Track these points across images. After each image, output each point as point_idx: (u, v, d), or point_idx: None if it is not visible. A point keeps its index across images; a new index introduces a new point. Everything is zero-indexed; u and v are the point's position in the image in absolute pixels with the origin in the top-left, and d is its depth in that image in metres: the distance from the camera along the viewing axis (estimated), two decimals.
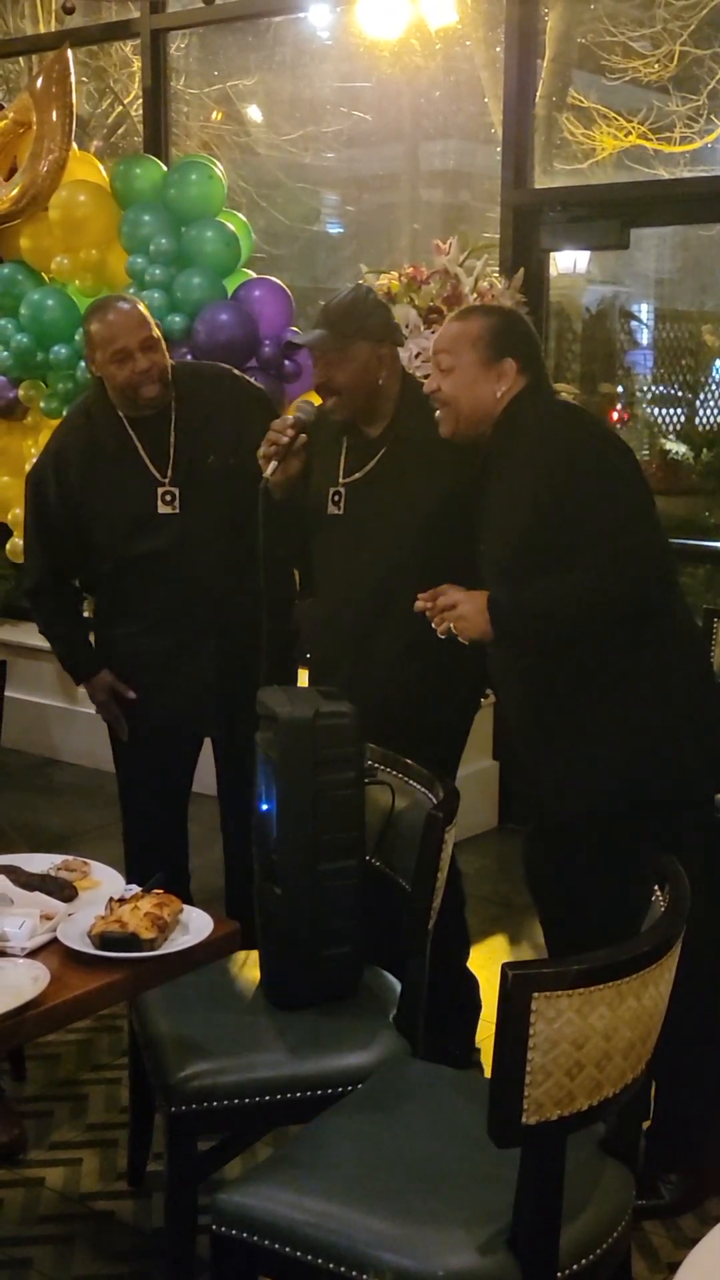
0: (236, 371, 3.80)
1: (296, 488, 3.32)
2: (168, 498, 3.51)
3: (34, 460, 3.74)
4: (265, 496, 3.27)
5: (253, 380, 3.88)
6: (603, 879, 2.81)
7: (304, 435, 3.26)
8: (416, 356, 4.64)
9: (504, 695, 3.05)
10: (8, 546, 6.04)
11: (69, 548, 3.64)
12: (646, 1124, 2.84)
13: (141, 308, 3.49)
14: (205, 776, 3.83)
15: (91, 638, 3.80)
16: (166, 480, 3.52)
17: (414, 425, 3.23)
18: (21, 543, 5.95)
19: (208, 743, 3.82)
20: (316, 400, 3.35)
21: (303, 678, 3.54)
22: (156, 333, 3.47)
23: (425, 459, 3.21)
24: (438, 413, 2.95)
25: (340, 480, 3.29)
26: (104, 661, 3.67)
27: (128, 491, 3.53)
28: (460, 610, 2.80)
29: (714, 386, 7.74)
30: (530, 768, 2.95)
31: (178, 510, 3.51)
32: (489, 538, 2.90)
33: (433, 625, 2.88)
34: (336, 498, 3.29)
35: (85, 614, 3.92)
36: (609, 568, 2.70)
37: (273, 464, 3.24)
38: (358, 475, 3.27)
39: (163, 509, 3.51)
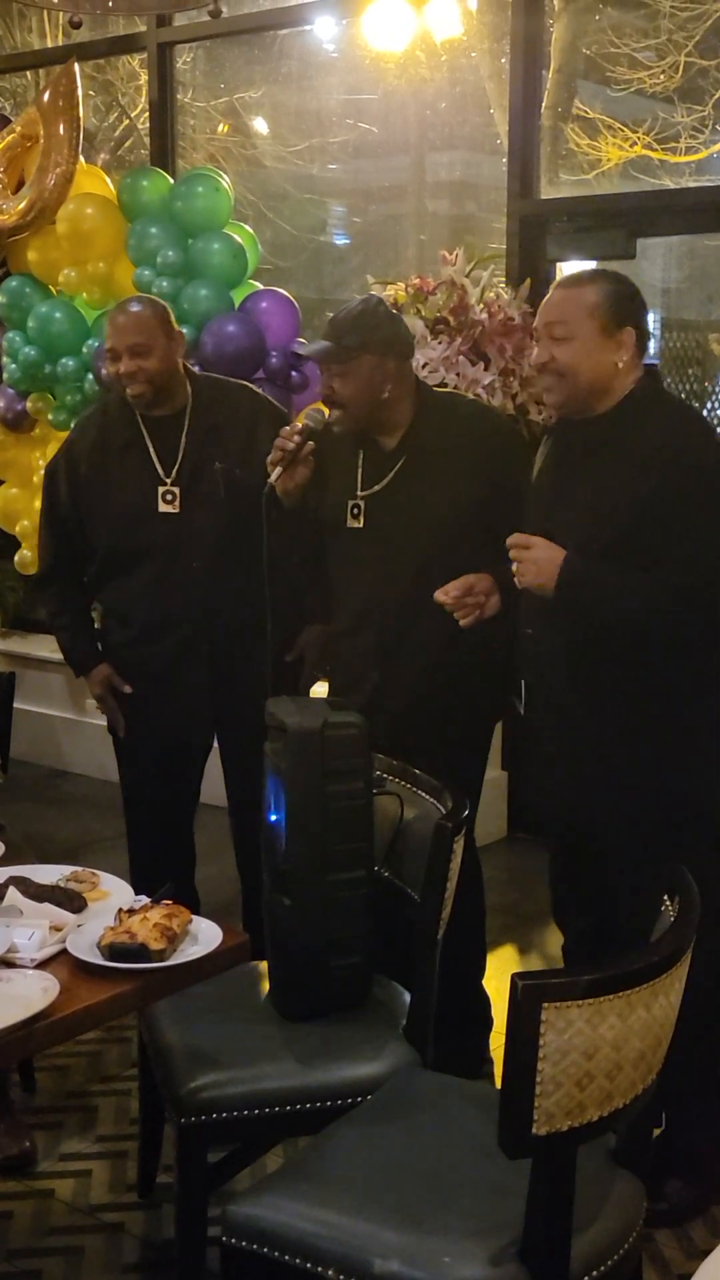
0: (258, 391, 3.87)
1: (307, 497, 3.33)
2: (168, 497, 3.55)
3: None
4: (272, 504, 3.28)
5: (275, 401, 3.91)
6: (627, 899, 2.78)
7: (311, 443, 3.26)
8: (424, 367, 4.64)
9: (542, 706, 2.94)
10: (16, 558, 6.05)
11: (76, 539, 3.71)
12: (657, 1131, 2.83)
13: (152, 313, 3.53)
14: (216, 788, 3.83)
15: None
16: (169, 480, 3.56)
17: (431, 435, 3.24)
18: (30, 554, 5.97)
19: (216, 754, 3.82)
20: (327, 410, 3.36)
21: (320, 689, 3.55)
22: (155, 340, 3.49)
23: (444, 468, 3.22)
24: (545, 380, 2.81)
25: (359, 493, 3.29)
26: (104, 656, 3.74)
27: (130, 486, 3.58)
28: (535, 554, 2.72)
29: None
30: (563, 782, 2.90)
31: (177, 510, 3.55)
32: (566, 518, 2.78)
33: (456, 617, 2.87)
34: (356, 510, 3.28)
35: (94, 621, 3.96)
36: (686, 586, 2.63)
37: (278, 469, 3.25)
38: (377, 487, 3.27)
39: (163, 507, 3.55)
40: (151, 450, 3.57)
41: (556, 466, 2.90)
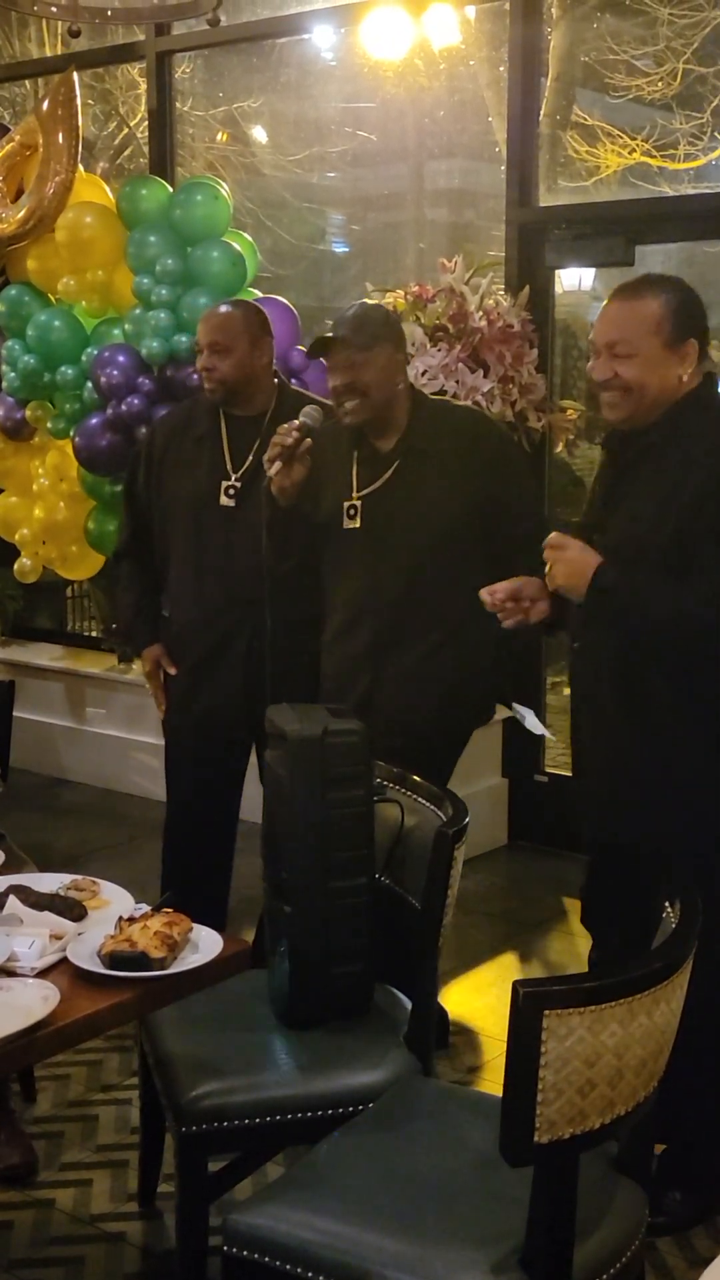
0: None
1: (303, 497, 3.35)
2: (230, 491, 3.64)
3: None
4: (268, 503, 3.34)
5: None
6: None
7: (309, 440, 3.30)
8: (423, 374, 4.65)
9: (587, 722, 2.90)
10: (15, 567, 6.05)
11: (148, 518, 3.86)
12: (659, 1148, 2.82)
13: (242, 315, 3.67)
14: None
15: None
16: (234, 475, 3.66)
17: (425, 439, 3.29)
18: (29, 563, 5.97)
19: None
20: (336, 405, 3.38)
21: None
22: (241, 343, 3.62)
23: (439, 470, 3.27)
24: (608, 396, 2.73)
25: (355, 494, 3.32)
26: (159, 638, 3.88)
27: (198, 474, 3.71)
28: (569, 554, 2.68)
29: None
30: (605, 799, 2.87)
31: (235, 505, 3.64)
32: (615, 528, 2.75)
33: (500, 618, 2.85)
34: (352, 511, 3.32)
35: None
36: (714, 608, 2.58)
37: (276, 464, 3.29)
38: (372, 488, 3.31)
39: (224, 500, 3.65)
40: (225, 445, 3.69)
41: (609, 476, 2.87)
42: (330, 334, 3.29)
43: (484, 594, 2.86)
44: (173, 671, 3.83)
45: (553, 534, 2.75)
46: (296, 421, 3.32)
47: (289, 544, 3.41)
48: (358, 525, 3.32)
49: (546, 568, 2.73)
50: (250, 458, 3.65)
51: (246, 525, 3.59)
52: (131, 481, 3.92)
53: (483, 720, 3.57)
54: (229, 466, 3.68)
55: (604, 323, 2.74)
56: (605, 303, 2.79)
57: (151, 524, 3.85)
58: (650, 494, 2.69)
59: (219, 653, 3.70)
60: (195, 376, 4.97)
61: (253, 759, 3.83)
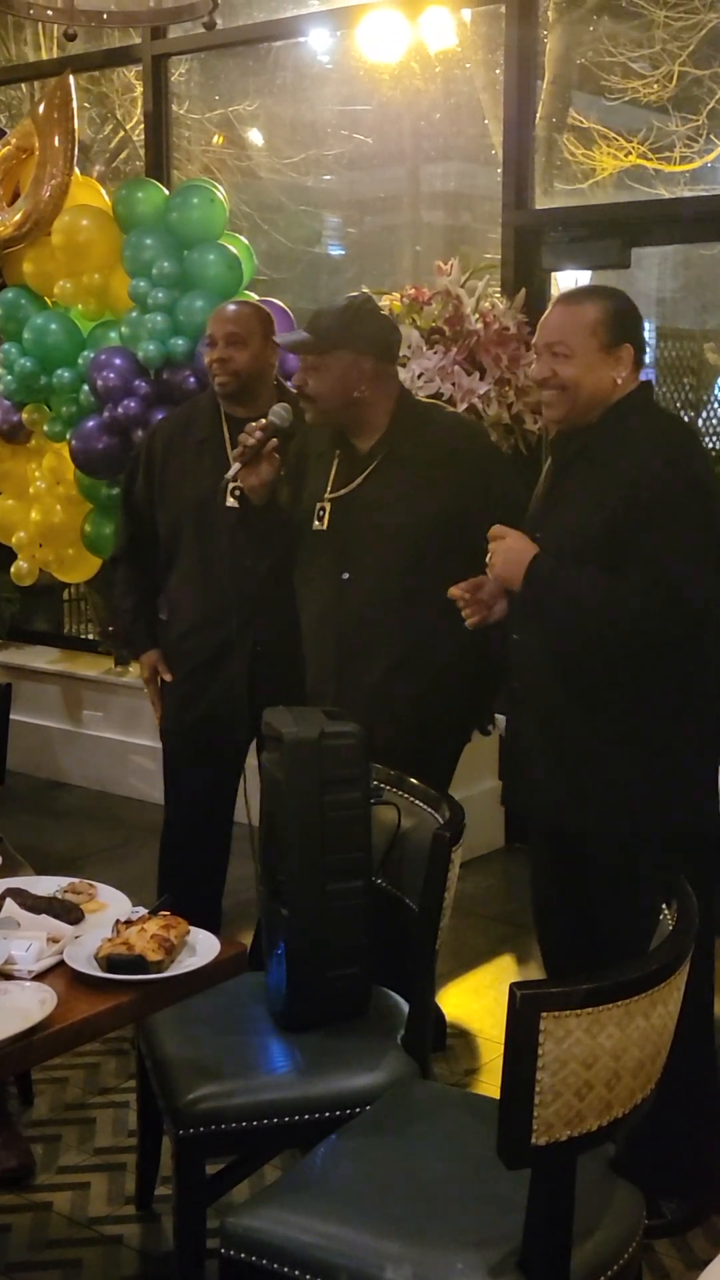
0: None
1: (277, 496, 3.32)
2: (235, 492, 3.58)
3: None
4: (244, 500, 3.32)
5: None
6: (614, 906, 2.79)
7: (275, 440, 3.27)
8: (419, 376, 4.65)
9: (531, 711, 2.93)
10: (12, 570, 6.05)
11: (147, 522, 3.84)
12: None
13: (255, 313, 3.70)
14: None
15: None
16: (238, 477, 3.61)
17: (404, 443, 3.21)
18: (26, 565, 5.97)
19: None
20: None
21: None
22: (255, 338, 3.64)
23: (415, 478, 3.19)
24: (546, 395, 2.83)
25: (326, 494, 3.27)
26: (156, 643, 3.88)
27: (202, 475, 3.68)
28: (507, 544, 2.78)
29: (716, 405, 7.74)
30: (552, 788, 2.89)
31: (239, 506, 3.59)
32: (550, 527, 2.82)
33: (464, 615, 2.88)
34: (321, 513, 3.26)
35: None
36: (645, 609, 2.63)
37: (236, 465, 3.27)
38: (343, 491, 3.25)
39: (229, 501, 3.60)
40: (228, 446, 3.65)
41: (550, 477, 2.92)
42: (295, 332, 3.28)
43: (452, 590, 2.93)
44: (169, 678, 3.83)
45: (495, 526, 2.83)
46: (262, 420, 3.31)
47: (267, 543, 3.39)
48: (324, 527, 3.26)
49: (488, 557, 2.80)
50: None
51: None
52: (130, 486, 3.91)
53: (463, 739, 3.50)
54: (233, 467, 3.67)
55: (546, 326, 2.85)
56: (549, 309, 2.90)
57: (150, 529, 3.84)
58: (585, 492, 2.78)
59: (224, 655, 3.67)
60: (191, 380, 5.00)
61: (250, 760, 3.83)
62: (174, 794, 3.90)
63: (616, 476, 2.71)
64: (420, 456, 3.21)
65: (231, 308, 3.74)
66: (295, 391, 3.29)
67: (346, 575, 3.22)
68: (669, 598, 2.63)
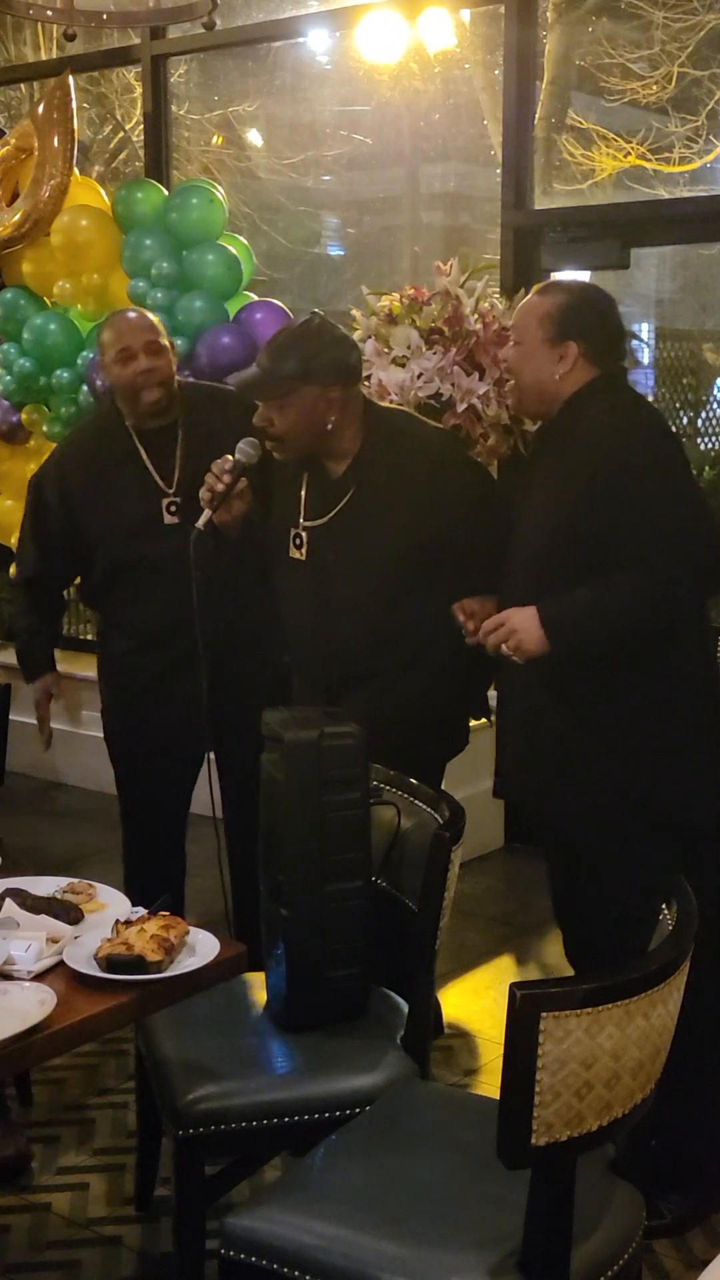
0: None
1: (251, 514, 3.21)
2: (172, 508, 3.55)
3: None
4: (200, 543, 3.16)
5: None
6: (611, 899, 2.80)
7: (244, 480, 3.13)
8: (419, 376, 4.65)
9: (513, 711, 2.97)
10: (10, 570, 6.04)
11: (60, 551, 3.72)
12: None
13: (153, 318, 3.59)
14: (203, 797, 3.82)
15: (93, 666, 3.89)
16: (172, 491, 3.56)
17: (380, 468, 3.09)
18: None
19: (208, 763, 3.82)
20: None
21: None
22: (164, 341, 3.54)
23: (392, 502, 3.08)
24: (509, 384, 2.87)
25: (303, 522, 3.16)
26: (53, 666, 3.84)
27: (131, 498, 3.57)
28: (513, 624, 2.75)
29: (715, 405, 7.74)
30: (541, 785, 2.91)
31: (181, 521, 3.53)
32: (525, 519, 2.84)
33: (469, 638, 2.88)
34: (298, 541, 3.17)
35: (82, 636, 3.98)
36: (644, 589, 2.66)
37: (206, 513, 3.13)
38: (321, 520, 3.14)
39: (168, 519, 3.55)
40: (148, 463, 3.57)
41: (525, 472, 2.97)
42: (253, 364, 3.08)
43: (456, 612, 2.94)
44: (60, 701, 3.82)
45: (484, 621, 2.83)
46: (229, 461, 3.14)
47: (243, 563, 3.31)
48: (303, 557, 3.16)
49: (506, 652, 2.77)
50: (178, 469, 3.55)
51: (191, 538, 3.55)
52: (39, 517, 3.71)
53: (447, 756, 3.47)
54: (161, 484, 3.56)
55: (515, 312, 2.93)
56: None
57: (62, 559, 3.71)
58: (548, 483, 2.80)
59: (175, 673, 3.59)
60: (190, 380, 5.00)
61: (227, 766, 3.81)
62: (133, 808, 3.85)
63: (572, 469, 2.73)
64: (396, 482, 3.08)
65: (133, 314, 3.58)
66: (260, 429, 3.11)
67: (331, 605, 3.15)
68: (659, 584, 2.66)
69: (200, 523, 3.15)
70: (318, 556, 3.15)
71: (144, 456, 3.58)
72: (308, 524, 3.16)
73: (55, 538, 3.70)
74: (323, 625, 3.18)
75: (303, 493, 3.17)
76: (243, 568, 3.35)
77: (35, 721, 4.00)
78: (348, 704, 3.15)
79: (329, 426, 3.03)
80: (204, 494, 3.15)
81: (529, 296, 2.90)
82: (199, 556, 3.18)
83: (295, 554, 3.18)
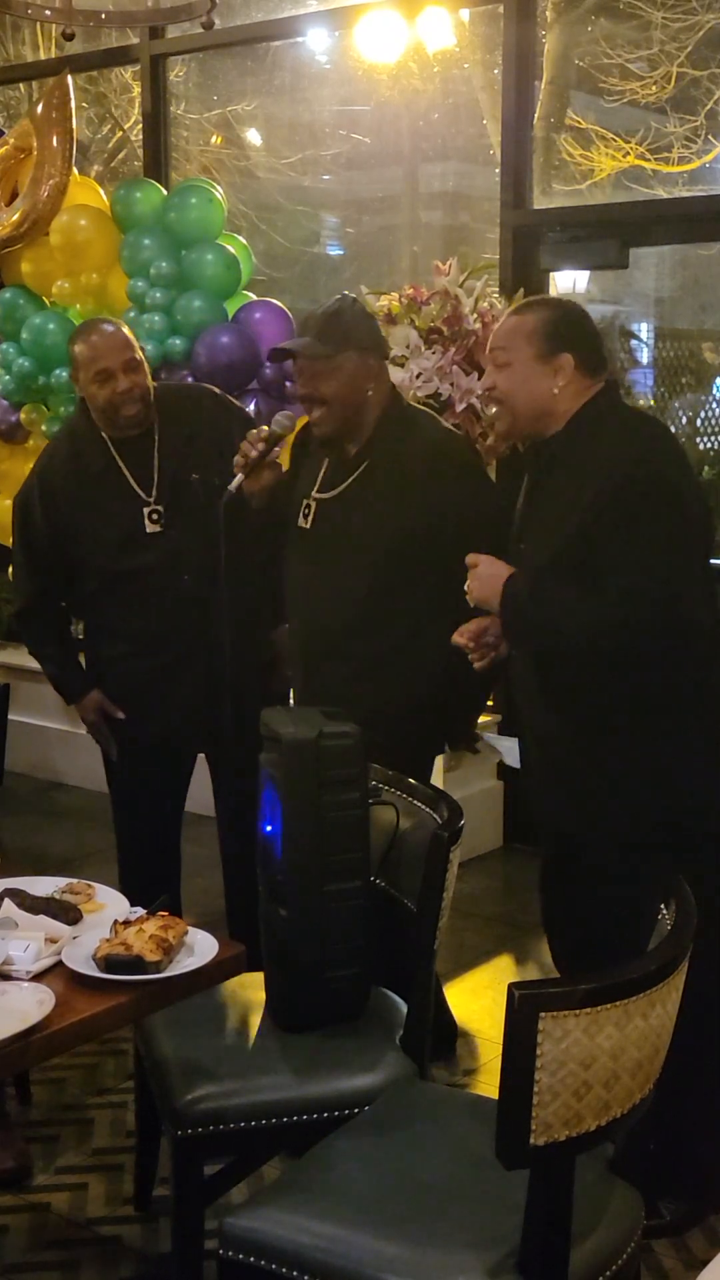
0: (218, 391, 3.85)
1: (278, 496, 3.28)
2: (154, 516, 3.54)
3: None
4: (231, 507, 3.23)
5: (234, 400, 3.90)
6: (617, 909, 2.78)
7: (277, 448, 3.22)
8: (418, 376, 4.65)
9: (529, 716, 2.95)
10: (9, 570, 6.04)
11: (55, 569, 3.69)
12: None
13: (125, 330, 3.55)
14: (203, 797, 3.83)
15: (82, 658, 3.84)
16: (152, 499, 3.55)
17: (390, 449, 3.17)
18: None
19: (202, 764, 3.81)
20: (302, 419, 3.33)
21: None
22: (139, 355, 3.53)
23: (400, 483, 3.15)
24: (493, 409, 2.84)
25: (314, 493, 3.25)
26: (94, 681, 3.70)
27: (114, 511, 3.56)
28: (480, 570, 2.77)
29: (714, 405, 7.74)
30: (553, 793, 2.90)
31: (164, 529, 3.54)
32: (531, 538, 2.83)
33: (471, 659, 2.87)
34: (307, 510, 3.25)
35: (76, 636, 3.95)
36: (624, 619, 2.61)
37: (239, 476, 3.21)
38: (330, 492, 3.22)
39: (150, 528, 3.54)
40: (126, 472, 3.56)
41: (527, 491, 2.92)
42: (295, 337, 3.19)
43: (456, 638, 2.90)
44: (120, 715, 3.67)
45: (470, 554, 2.82)
46: (264, 430, 3.23)
47: (259, 543, 3.34)
48: (308, 527, 3.24)
49: (466, 585, 2.79)
50: (157, 475, 3.55)
51: (179, 545, 3.53)
52: (27, 537, 3.69)
53: (433, 747, 3.46)
54: (141, 493, 3.55)
55: (493, 334, 2.88)
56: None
57: (57, 575, 3.69)
58: (558, 500, 2.76)
59: (168, 678, 3.59)
60: (190, 380, 5.00)
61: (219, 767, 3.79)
62: (128, 813, 3.83)
63: (586, 481, 2.69)
64: (401, 467, 3.16)
65: (108, 328, 3.52)
66: (301, 401, 3.20)
67: (317, 576, 3.20)
68: (652, 605, 2.60)
69: (231, 485, 3.22)
70: (320, 528, 3.22)
71: (123, 467, 3.56)
72: (319, 495, 3.24)
73: (47, 557, 3.68)
74: (310, 597, 3.24)
75: (322, 471, 3.26)
76: (262, 543, 3.36)
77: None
78: (320, 682, 3.19)
79: (369, 393, 3.15)
80: (237, 460, 3.22)
81: (505, 319, 2.87)
82: (229, 521, 3.23)
83: (302, 523, 3.25)
